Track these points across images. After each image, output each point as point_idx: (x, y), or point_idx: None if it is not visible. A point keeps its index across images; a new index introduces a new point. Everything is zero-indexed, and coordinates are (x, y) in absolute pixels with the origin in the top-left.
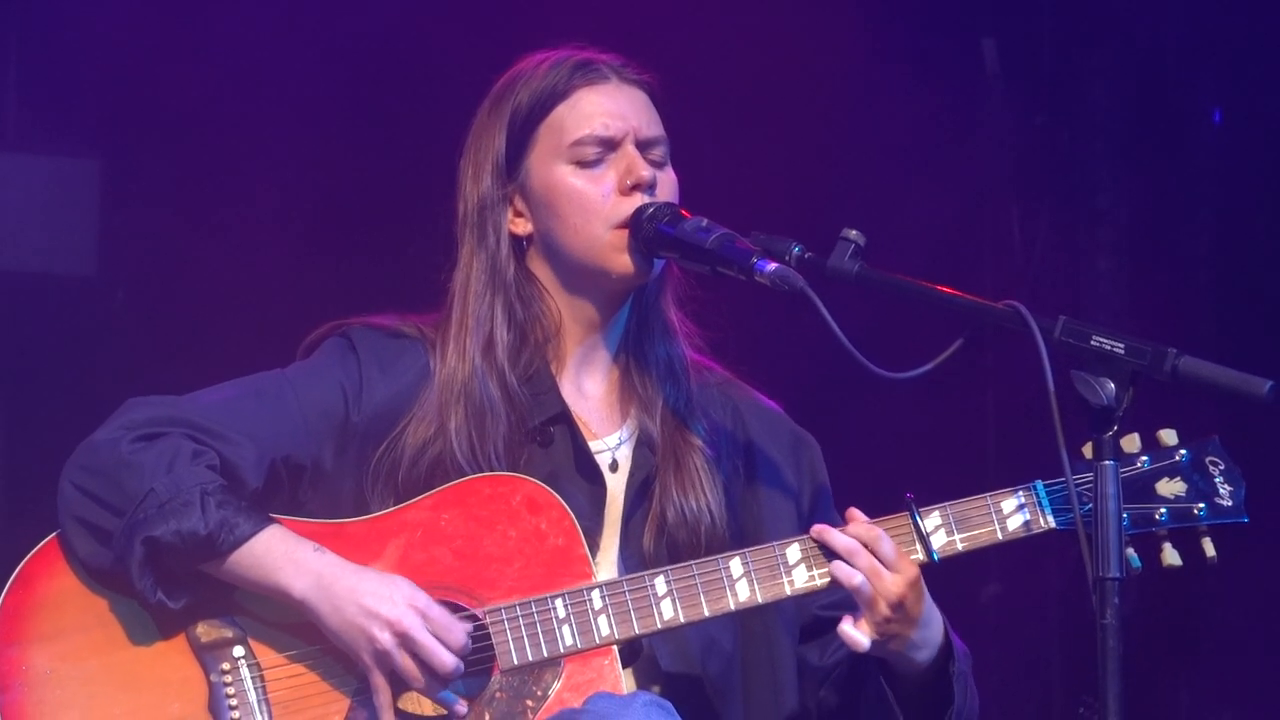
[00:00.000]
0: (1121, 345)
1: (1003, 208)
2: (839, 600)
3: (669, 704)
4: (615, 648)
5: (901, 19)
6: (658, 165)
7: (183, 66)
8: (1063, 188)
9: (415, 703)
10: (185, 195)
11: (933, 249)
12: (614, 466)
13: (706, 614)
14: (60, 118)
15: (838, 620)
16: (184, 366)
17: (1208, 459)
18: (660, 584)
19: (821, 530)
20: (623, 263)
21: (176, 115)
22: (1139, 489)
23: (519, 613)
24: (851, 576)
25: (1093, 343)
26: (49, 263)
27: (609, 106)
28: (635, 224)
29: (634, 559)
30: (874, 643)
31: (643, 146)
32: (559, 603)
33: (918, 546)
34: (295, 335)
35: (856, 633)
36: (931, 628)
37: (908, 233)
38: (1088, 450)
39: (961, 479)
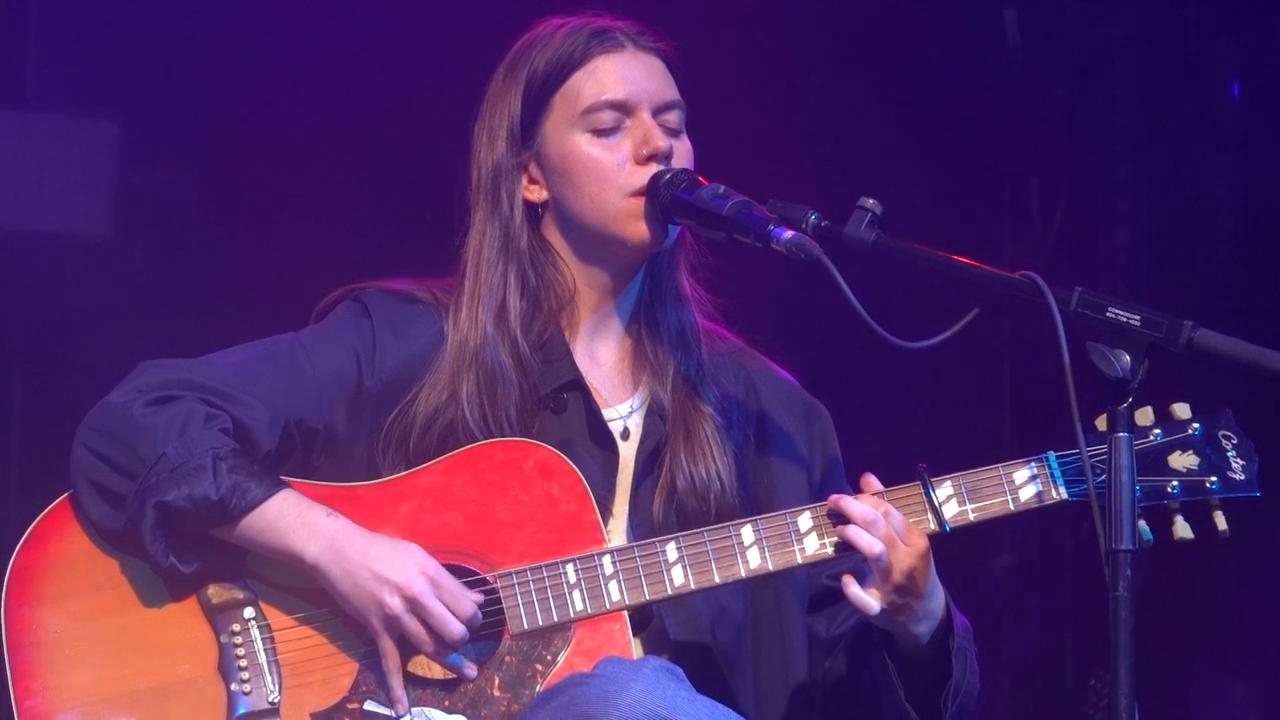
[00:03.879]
0: (1137, 317)
1: (1022, 179)
2: (848, 569)
3: (679, 669)
4: (625, 614)
5: None
6: (673, 132)
7: (202, 27)
8: (1082, 160)
9: (425, 666)
10: (203, 156)
11: (951, 220)
12: (625, 434)
13: (717, 580)
14: (79, 78)
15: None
16: (199, 329)
17: (1220, 432)
18: (671, 550)
19: (839, 499)
20: (638, 230)
21: (195, 76)
22: (1151, 462)
23: (530, 577)
24: (872, 545)
25: (1109, 314)
26: (66, 222)
27: (624, 74)
28: (652, 190)
29: (644, 527)
30: (881, 611)
31: (658, 113)
32: (570, 568)
33: (929, 516)
34: (310, 298)
35: (866, 596)
36: (934, 601)
37: (926, 203)
38: (1102, 423)
39: (976, 450)
